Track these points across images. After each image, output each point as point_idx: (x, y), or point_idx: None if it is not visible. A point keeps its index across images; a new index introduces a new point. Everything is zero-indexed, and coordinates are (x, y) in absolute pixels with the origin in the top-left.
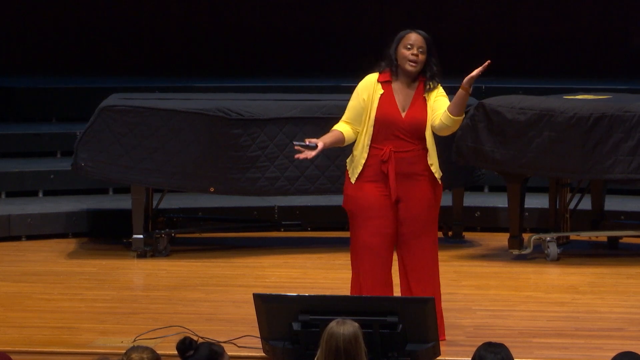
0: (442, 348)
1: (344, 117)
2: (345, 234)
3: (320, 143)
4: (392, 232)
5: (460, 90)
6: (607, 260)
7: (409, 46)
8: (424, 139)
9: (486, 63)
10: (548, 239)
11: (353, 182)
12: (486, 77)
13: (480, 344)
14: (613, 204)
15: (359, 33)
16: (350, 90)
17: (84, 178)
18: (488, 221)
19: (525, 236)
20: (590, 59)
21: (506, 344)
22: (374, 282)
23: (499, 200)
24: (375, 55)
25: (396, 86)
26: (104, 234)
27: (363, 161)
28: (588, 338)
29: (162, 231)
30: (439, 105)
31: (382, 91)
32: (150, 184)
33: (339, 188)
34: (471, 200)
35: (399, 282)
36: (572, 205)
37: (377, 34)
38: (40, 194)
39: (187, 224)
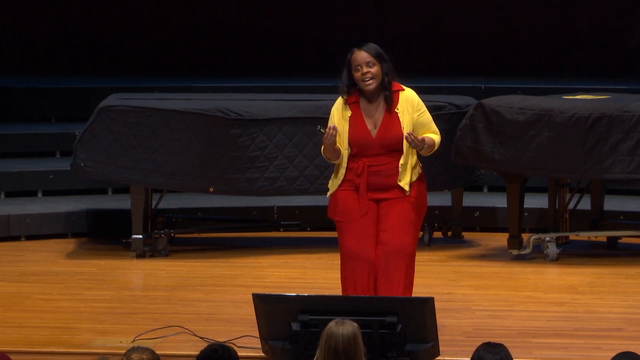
0: (442, 348)
1: None
2: None
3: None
4: (374, 232)
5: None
6: (606, 261)
7: (357, 68)
8: (401, 152)
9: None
10: (547, 239)
11: (334, 192)
12: (485, 77)
13: (480, 344)
14: (612, 204)
15: (358, 34)
16: None
17: (83, 178)
18: (487, 221)
19: (525, 236)
20: (590, 59)
21: (505, 344)
22: (369, 285)
23: (498, 201)
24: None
25: (364, 106)
26: (104, 234)
27: (342, 176)
28: (587, 338)
29: (162, 231)
30: (422, 124)
31: (350, 113)
32: (150, 184)
33: None
34: (470, 200)
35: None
36: (571, 206)
37: (376, 34)
38: (40, 194)
39: (186, 224)
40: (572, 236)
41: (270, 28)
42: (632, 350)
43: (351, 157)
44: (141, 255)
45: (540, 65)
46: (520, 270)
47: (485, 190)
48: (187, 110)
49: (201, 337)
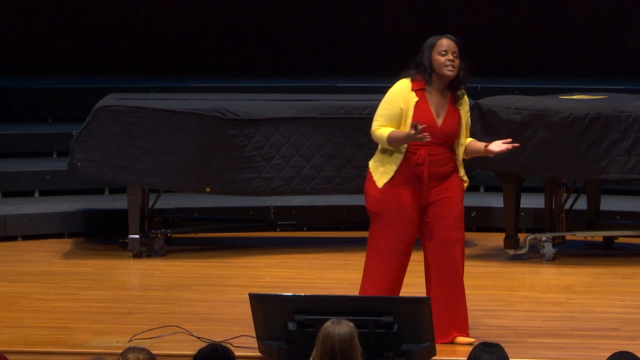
0: (438, 348)
1: (382, 122)
2: (341, 234)
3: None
4: (414, 238)
5: (483, 148)
6: (602, 261)
7: (443, 52)
8: (453, 145)
9: (510, 145)
10: (544, 239)
11: (380, 185)
12: (482, 77)
13: (476, 343)
14: (608, 204)
15: (355, 33)
16: (345, 90)
17: (80, 178)
18: (484, 221)
19: (521, 236)
20: (586, 59)
21: (502, 344)
22: (391, 286)
23: (495, 201)
24: (371, 55)
25: (429, 94)
26: (100, 234)
27: (396, 166)
28: (584, 338)
29: (158, 231)
30: (467, 126)
31: (416, 98)
32: (146, 184)
33: (334, 188)
34: (467, 200)
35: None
36: (567, 205)
37: (373, 34)
38: (37, 194)
39: (183, 224)
40: (569, 236)
41: (267, 28)
42: (628, 350)
43: (411, 145)
44: (138, 255)
45: (537, 66)
46: (517, 270)
47: (481, 190)
48: (183, 110)
49: (198, 337)
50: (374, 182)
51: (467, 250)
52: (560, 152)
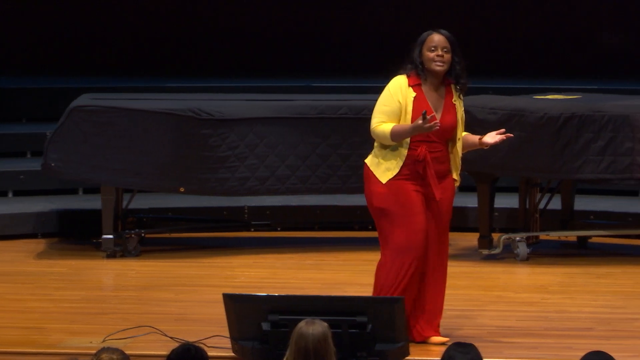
0: (411, 348)
1: (382, 119)
2: (315, 234)
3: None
4: (427, 228)
5: (477, 141)
6: (576, 260)
7: (432, 48)
8: (449, 142)
9: (504, 136)
10: (518, 238)
11: (385, 181)
12: None
13: (450, 343)
14: (583, 203)
15: (332, 34)
16: (321, 90)
17: (53, 178)
18: (457, 221)
19: (495, 236)
20: (560, 58)
21: (476, 344)
22: (414, 284)
23: (469, 200)
24: (348, 56)
25: (426, 89)
26: (74, 234)
27: (401, 162)
28: (558, 338)
29: (132, 231)
30: (460, 120)
31: (414, 94)
32: (120, 184)
33: (309, 188)
34: None
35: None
36: (541, 205)
37: (351, 33)
38: (10, 194)
39: (157, 224)
40: (543, 236)
41: (243, 28)
42: (602, 350)
43: (412, 141)
44: (111, 256)
45: (511, 65)
46: (491, 270)
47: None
48: (157, 110)
49: (171, 337)
50: (376, 179)
51: None
52: (535, 151)
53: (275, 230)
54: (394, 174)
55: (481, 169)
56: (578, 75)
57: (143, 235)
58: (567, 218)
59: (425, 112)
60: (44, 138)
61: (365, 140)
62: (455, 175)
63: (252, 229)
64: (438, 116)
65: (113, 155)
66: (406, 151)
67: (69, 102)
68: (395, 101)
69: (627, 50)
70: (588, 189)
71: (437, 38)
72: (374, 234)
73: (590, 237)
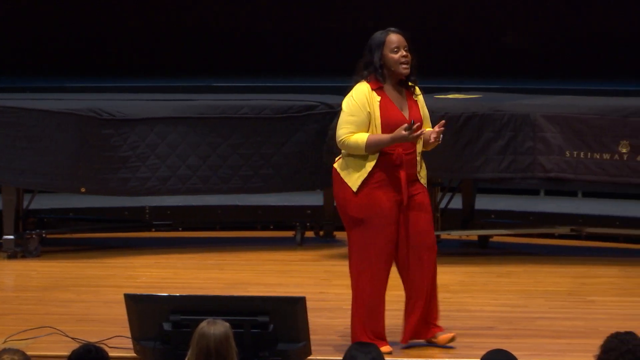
0: (314, 347)
1: (350, 129)
2: (216, 234)
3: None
4: (396, 238)
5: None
6: (477, 259)
7: (395, 49)
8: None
9: (441, 127)
10: None
11: (355, 189)
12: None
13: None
14: (484, 203)
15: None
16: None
17: None
18: None
19: None
20: (461, 58)
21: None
22: (383, 290)
23: None
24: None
25: (388, 91)
26: None
27: (370, 168)
28: (459, 337)
29: (33, 232)
30: (425, 116)
31: (379, 98)
32: (21, 184)
33: (210, 188)
34: None
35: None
36: (442, 205)
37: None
38: None
39: (58, 224)
40: (444, 235)
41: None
42: (504, 348)
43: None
44: (12, 256)
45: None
46: (393, 269)
47: None
48: (58, 110)
49: (73, 338)
50: (347, 186)
51: (344, 250)
52: (436, 151)
53: (177, 230)
54: (364, 178)
55: None
56: (479, 75)
57: (44, 235)
58: (468, 217)
59: (413, 122)
60: None
61: (266, 140)
62: (422, 174)
63: (154, 229)
64: (406, 115)
65: (14, 155)
66: (376, 157)
67: None
68: (364, 111)
69: (527, 50)
70: (489, 188)
71: (395, 38)
72: (276, 234)
73: (491, 236)
